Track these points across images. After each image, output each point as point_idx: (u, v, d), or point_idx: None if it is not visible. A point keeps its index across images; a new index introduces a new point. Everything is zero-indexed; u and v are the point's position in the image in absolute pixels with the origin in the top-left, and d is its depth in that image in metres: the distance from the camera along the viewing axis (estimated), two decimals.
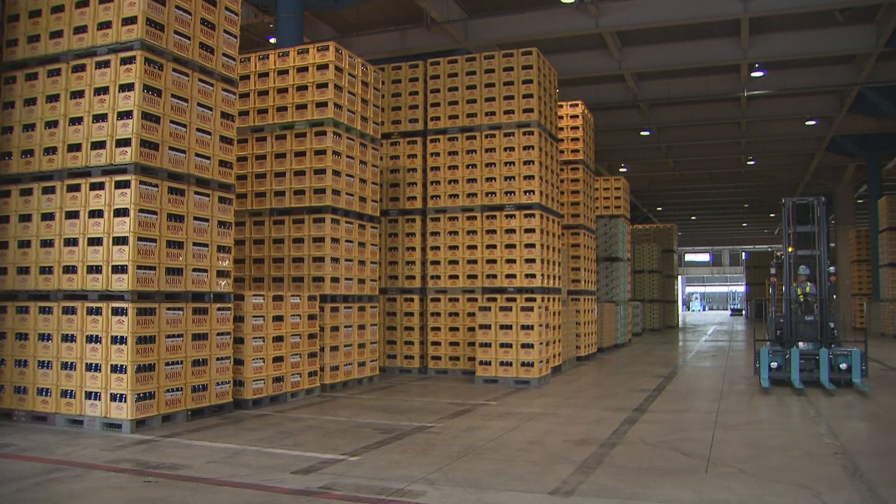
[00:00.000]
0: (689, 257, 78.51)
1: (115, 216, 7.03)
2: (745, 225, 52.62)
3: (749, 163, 29.43)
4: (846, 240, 27.97)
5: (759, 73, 18.91)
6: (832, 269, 11.29)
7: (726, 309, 70.28)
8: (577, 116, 15.08)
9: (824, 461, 5.79)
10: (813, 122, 23.42)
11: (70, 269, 7.22)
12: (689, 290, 77.41)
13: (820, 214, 10.55)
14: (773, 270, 11.47)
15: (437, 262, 12.16)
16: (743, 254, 57.68)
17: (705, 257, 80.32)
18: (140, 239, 7.00)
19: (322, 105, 10.02)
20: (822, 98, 21.28)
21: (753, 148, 27.20)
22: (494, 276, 11.71)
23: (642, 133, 24.76)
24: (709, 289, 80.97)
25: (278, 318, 8.80)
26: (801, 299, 10.54)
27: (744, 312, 48.70)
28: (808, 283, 10.69)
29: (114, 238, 7.01)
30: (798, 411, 8.31)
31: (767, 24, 16.25)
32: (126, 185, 7.01)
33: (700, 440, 6.59)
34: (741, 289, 56.90)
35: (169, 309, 7.25)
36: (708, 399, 9.30)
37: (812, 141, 25.87)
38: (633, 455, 6.00)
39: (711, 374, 12.25)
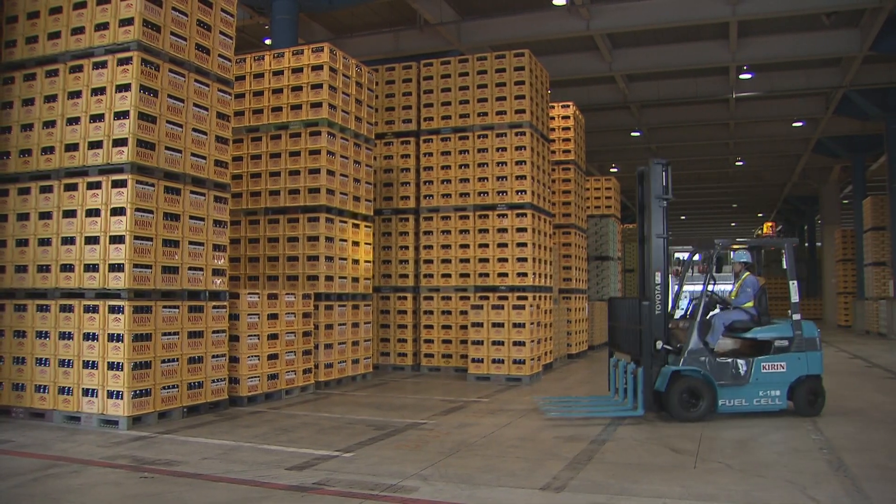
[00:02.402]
0: (678, 256, 78.95)
1: (111, 215, 7.09)
2: (733, 224, 52.92)
3: (737, 163, 29.67)
4: (832, 239, 28.22)
5: (748, 76, 19.09)
6: (682, 256, 8.07)
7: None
8: (568, 117, 15.20)
9: (810, 456, 5.92)
10: (800, 124, 23.64)
11: (67, 268, 7.28)
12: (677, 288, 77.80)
13: (650, 181, 7.97)
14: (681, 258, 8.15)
15: (430, 261, 12.25)
16: (731, 252, 57.94)
17: (694, 256, 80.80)
18: (136, 238, 7.06)
19: (317, 105, 10.10)
20: (809, 100, 21.50)
21: (742, 149, 27.42)
22: (487, 275, 11.81)
23: (633, 134, 24.90)
24: (697, 287, 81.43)
25: (273, 316, 8.87)
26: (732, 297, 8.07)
27: None
28: (746, 274, 8.70)
29: (110, 237, 7.07)
30: None
31: (755, 28, 16.43)
32: (123, 184, 7.07)
33: (688, 436, 6.72)
34: (729, 287, 57.28)
35: (165, 307, 7.32)
36: None
37: (799, 142, 26.13)
38: (623, 451, 6.11)
39: None
